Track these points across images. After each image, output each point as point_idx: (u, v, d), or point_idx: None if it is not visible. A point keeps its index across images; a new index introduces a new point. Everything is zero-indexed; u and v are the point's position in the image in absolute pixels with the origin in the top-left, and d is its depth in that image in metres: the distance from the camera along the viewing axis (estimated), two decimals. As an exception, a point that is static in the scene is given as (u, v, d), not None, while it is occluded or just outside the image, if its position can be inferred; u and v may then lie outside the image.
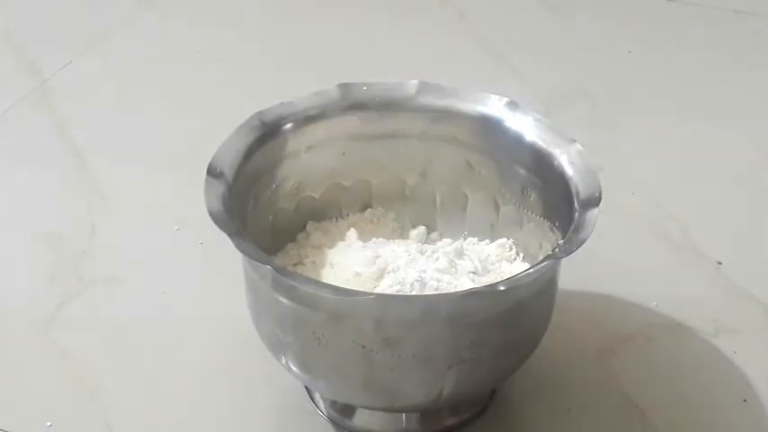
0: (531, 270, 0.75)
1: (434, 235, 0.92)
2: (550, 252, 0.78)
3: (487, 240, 0.90)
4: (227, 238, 0.75)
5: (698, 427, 0.86)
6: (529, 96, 1.15)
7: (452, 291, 0.80)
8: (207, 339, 0.93)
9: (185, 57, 1.31)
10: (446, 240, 0.90)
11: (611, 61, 1.31)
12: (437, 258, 0.83)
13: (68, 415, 0.87)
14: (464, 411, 0.86)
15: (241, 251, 0.75)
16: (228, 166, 0.81)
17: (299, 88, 0.89)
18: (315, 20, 1.39)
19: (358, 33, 1.36)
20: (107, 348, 0.92)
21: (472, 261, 0.84)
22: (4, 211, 1.07)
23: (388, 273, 0.82)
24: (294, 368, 0.80)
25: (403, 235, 0.92)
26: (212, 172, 0.80)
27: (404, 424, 0.84)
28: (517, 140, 0.86)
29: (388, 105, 0.89)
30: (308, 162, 0.88)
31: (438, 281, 0.81)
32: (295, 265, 0.87)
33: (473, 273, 0.83)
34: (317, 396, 0.87)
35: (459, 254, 0.85)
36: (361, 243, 0.87)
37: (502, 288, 0.73)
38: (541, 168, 0.84)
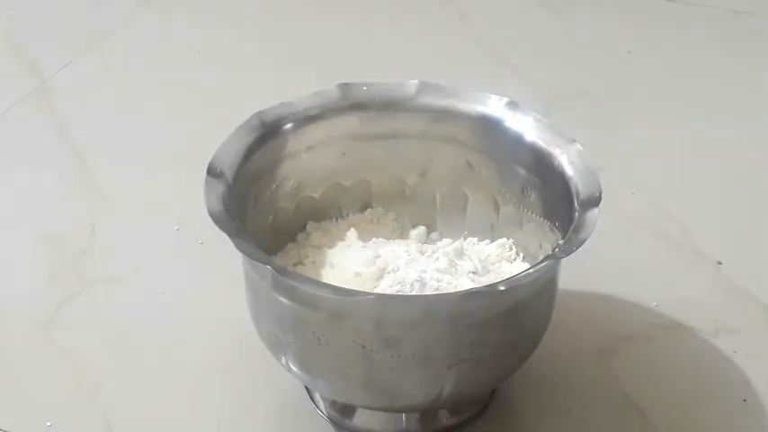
0: (531, 270, 0.75)
1: (434, 235, 0.92)
2: (550, 252, 0.78)
3: (487, 240, 0.90)
4: (227, 238, 0.75)
5: (698, 427, 0.86)
6: (529, 96, 1.15)
7: (452, 291, 0.80)
8: (207, 339, 0.93)
9: (185, 57, 1.31)
10: (446, 240, 0.90)
11: (611, 61, 1.31)
12: (437, 258, 0.83)
13: (68, 415, 0.87)
14: (464, 411, 0.86)
15: (241, 251, 0.75)
16: (228, 166, 0.81)
17: (299, 88, 0.89)
18: (315, 20, 1.39)
19: (358, 33, 1.36)
20: (107, 348, 0.92)
21: (472, 261, 0.84)
22: (4, 211, 1.07)
23: (388, 273, 0.82)
24: (294, 368, 0.80)
25: (403, 235, 0.92)
26: (212, 172, 0.80)
27: (404, 424, 0.84)
28: (517, 140, 0.86)
29: (388, 105, 0.89)
30: (308, 162, 0.88)
31: (438, 281, 0.81)
32: (295, 265, 0.87)
33: (473, 273, 0.83)
34: (317, 396, 0.87)
35: (459, 254, 0.85)
36: (361, 243, 0.87)
37: (502, 288, 0.73)
38: (541, 168, 0.84)
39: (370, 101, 0.89)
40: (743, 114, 1.21)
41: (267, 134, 0.85)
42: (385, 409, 0.83)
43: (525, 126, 0.86)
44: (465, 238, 0.91)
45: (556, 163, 0.83)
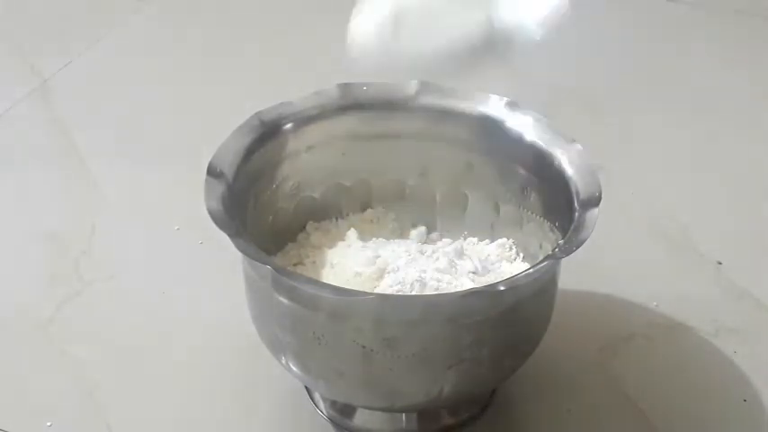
0: (531, 270, 0.75)
1: (434, 235, 0.92)
2: (550, 252, 0.78)
3: (487, 240, 0.90)
4: (227, 238, 0.75)
5: (698, 427, 0.86)
6: (529, 96, 1.14)
7: (452, 291, 0.80)
8: (207, 339, 0.93)
9: (185, 57, 1.31)
10: (446, 240, 0.90)
11: (612, 61, 1.31)
12: (437, 258, 0.83)
13: (68, 415, 0.87)
14: (464, 411, 0.86)
15: (241, 251, 0.75)
16: (228, 166, 0.81)
17: (299, 88, 0.89)
18: (315, 20, 1.39)
19: (358, 33, 1.36)
20: (107, 348, 0.92)
21: (472, 261, 0.84)
22: (4, 211, 1.07)
23: (388, 273, 0.82)
24: (294, 368, 0.80)
25: (403, 235, 0.92)
26: (212, 172, 0.80)
27: (404, 424, 0.84)
28: (517, 140, 0.86)
29: (388, 105, 0.89)
30: (308, 162, 0.88)
31: (438, 281, 0.81)
32: (295, 265, 0.87)
33: (473, 273, 0.83)
34: (317, 396, 0.87)
35: (459, 254, 0.85)
36: (361, 243, 0.87)
37: (502, 288, 0.73)
38: (541, 168, 0.84)
39: (370, 101, 0.89)
40: (743, 114, 1.21)
41: (267, 134, 0.85)
42: (385, 409, 0.83)
43: (525, 126, 0.86)
44: (465, 238, 0.91)
45: (556, 163, 0.83)
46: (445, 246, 0.87)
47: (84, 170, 1.12)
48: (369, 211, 0.92)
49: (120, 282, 0.99)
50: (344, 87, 0.88)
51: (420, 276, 0.81)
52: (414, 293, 0.80)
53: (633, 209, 1.07)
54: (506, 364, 0.80)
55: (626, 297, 0.96)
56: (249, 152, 0.83)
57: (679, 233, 1.04)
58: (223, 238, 0.75)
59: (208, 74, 1.28)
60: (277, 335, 0.79)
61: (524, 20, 0.78)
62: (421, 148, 0.90)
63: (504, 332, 0.77)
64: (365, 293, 0.77)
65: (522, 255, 0.88)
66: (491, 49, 0.78)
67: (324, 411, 0.86)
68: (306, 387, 0.87)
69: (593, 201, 0.78)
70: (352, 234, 0.89)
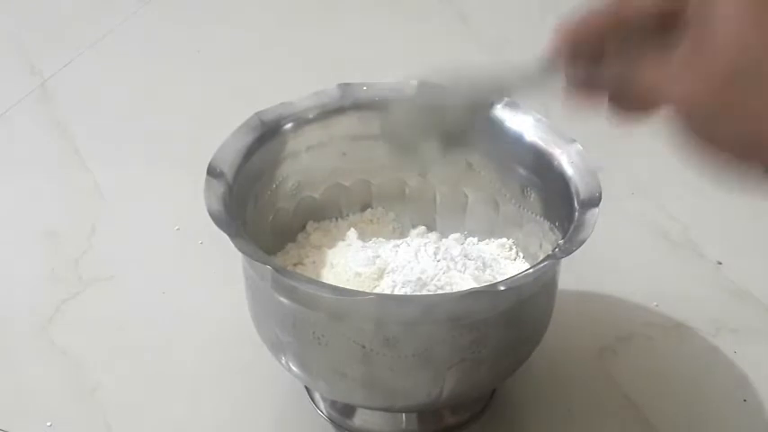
0: (531, 270, 0.75)
1: (434, 235, 0.92)
2: (550, 252, 0.78)
3: (487, 240, 0.90)
4: (227, 238, 0.75)
5: (698, 427, 0.86)
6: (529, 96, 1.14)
7: (452, 291, 0.80)
8: (207, 339, 0.93)
9: (185, 57, 1.31)
10: (446, 240, 0.90)
11: (611, 61, 1.31)
12: (437, 258, 0.83)
13: (68, 415, 0.87)
14: (464, 411, 0.86)
15: (241, 251, 0.75)
16: (228, 166, 0.81)
17: (299, 88, 0.88)
18: (315, 20, 1.39)
19: (358, 33, 1.36)
20: (107, 348, 0.92)
21: (472, 261, 0.84)
22: (4, 211, 1.07)
23: (388, 273, 0.82)
24: (294, 368, 0.80)
25: (403, 235, 0.92)
26: (212, 172, 0.80)
27: (404, 424, 0.84)
28: (517, 140, 0.86)
29: (388, 105, 0.89)
30: (308, 162, 0.88)
31: (438, 281, 0.81)
32: (295, 265, 0.87)
33: (473, 273, 0.83)
34: (317, 396, 0.87)
35: (460, 254, 0.85)
36: (361, 243, 0.87)
37: (502, 288, 0.73)
38: (541, 168, 0.84)
39: (370, 101, 0.89)
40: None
41: (267, 134, 0.85)
42: (385, 409, 0.83)
43: (525, 126, 0.86)
44: (465, 238, 0.91)
45: (556, 163, 0.83)
46: (445, 246, 0.87)
47: (84, 170, 1.12)
48: (369, 211, 0.92)
49: (120, 282, 0.99)
50: (344, 87, 0.88)
51: (420, 276, 0.81)
52: (414, 293, 0.80)
53: (633, 209, 1.07)
54: (506, 364, 0.80)
55: (626, 297, 0.96)
56: (249, 152, 0.83)
57: (679, 233, 1.04)
58: (223, 238, 0.75)
59: (208, 74, 1.28)
60: (277, 335, 0.79)
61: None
62: (421, 148, 0.90)
63: (504, 332, 0.77)
64: (365, 293, 0.77)
65: (522, 255, 0.88)
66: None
67: (324, 411, 0.86)
68: (306, 387, 0.87)
69: (593, 201, 0.78)
70: (352, 234, 0.89)
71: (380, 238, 0.89)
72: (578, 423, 0.86)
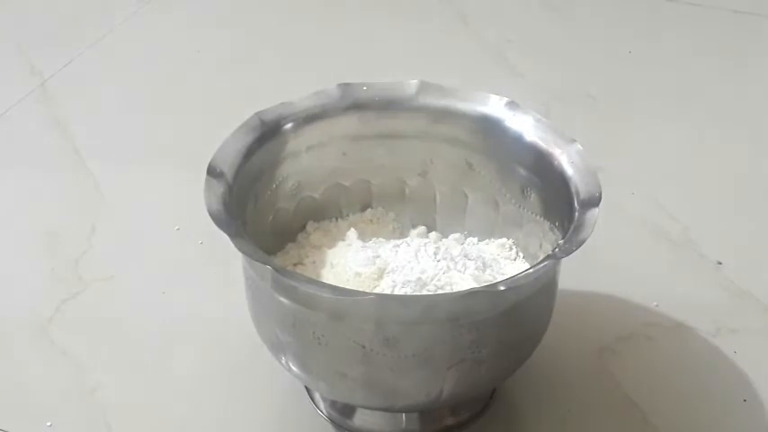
0: (531, 270, 0.75)
1: (434, 235, 0.92)
2: (550, 252, 0.78)
3: (487, 240, 0.90)
4: (227, 238, 0.75)
5: (698, 427, 0.86)
6: (529, 96, 1.15)
7: (452, 291, 0.80)
8: (207, 339, 0.93)
9: (185, 57, 1.31)
10: (446, 241, 0.90)
11: (611, 61, 1.31)
12: (437, 258, 0.83)
13: (68, 415, 0.87)
14: (464, 411, 0.86)
15: (241, 251, 0.75)
16: (228, 166, 0.81)
17: (299, 88, 0.89)
18: (315, 20, 1.39)
19: (358, 33, 1.36)
20: (107, 348, 0.92)
21: (472, 261, 0.84)
22: (4, 211, 1.07)
23: (388, 273, 0.82)
24: (294, 368, 0.80)
25: (403, 235, 0.92)
26: (212, 172, 0.80)
27: (404, 424, 0.84)
28: (517, 140, 0.86)
29: (388, 105, 0.89)
30: (308, 162, 0.88)
31: (438, 281, 0.81)
32: (295, 265, 0.87)
33: (473, 273, 0.83)
34: (317, 396, 0.87)
35: (460, 254, 0.85)
36: (361, 243, 0.87)
37: (502, 288, 0.73)
38: (541, 168, 0.84)
39: (370, 101, 0.89)
40: (743, 114, 1.21)
41: (267, 134, 0.85)
42: (385, 410, 0.83)
43: (525, 126, 0.86)
44: (465, 238, 0.91)
45: (556, 163, 0.83)
46: (445, 246, 0.87)
47: (84, 170, 1.12)
48: (369, 211, 0.93)
49: (120, 282, 0.99)
50: (344, 87, 0.88)
51: (420, 276, 0.81)
52: (414, 293, 0.80)
53: (633, 209, 1.07)
54: (506, 364, 0.80)
55: (626, 297, 0.96)
56: (249, 152, 0.83)
57: (679, 233, 1.04)
58: (223, 238, 0.75)
59: (208, 74, 1.28)
60: (277, 335, 0.79)
61: None
62: (421, 148, 0.90)
63: (504, 332, 0.77)
64: (365, 293, 0.77)
65: (522, 255, 0.88)
66: None
67: (324, 411, 0.86)
68: (306, 387, 0.87)
69: (593, 201, 0.78)
70: (352, 234, 0.89)
71: (380, 238, 0.89)
72: (578, 423, 0.86)
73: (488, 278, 0.83)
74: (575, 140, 0.84)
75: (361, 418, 0.85)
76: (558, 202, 0.82)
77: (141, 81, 1.27)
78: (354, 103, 0.88)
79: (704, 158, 1.15)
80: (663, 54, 1.32)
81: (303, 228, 0.91)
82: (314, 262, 0.87)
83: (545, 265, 0.75)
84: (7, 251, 1.03)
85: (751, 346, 0.92)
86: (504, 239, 0.89)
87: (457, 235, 0.91)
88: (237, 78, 1.27)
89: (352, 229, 0.89)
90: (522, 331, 0.79)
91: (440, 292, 0.80)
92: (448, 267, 0.82)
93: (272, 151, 0.86)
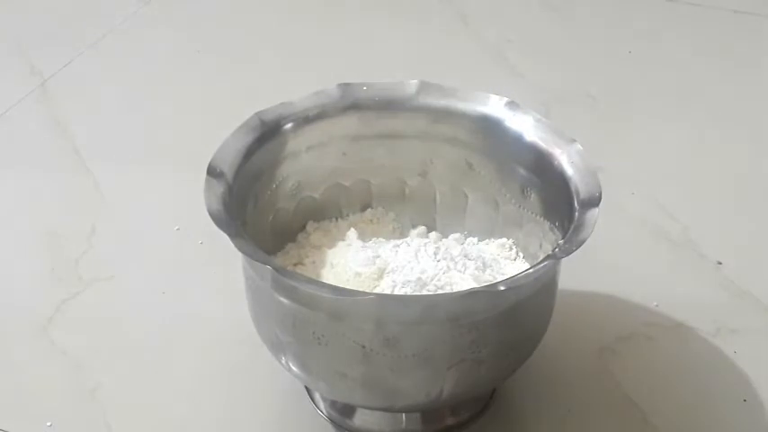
0: (531, 270, 0.75)
1: (434, 235, 0.92)
2: (550, 252, 0.78)
3: (487, 240, 0.90)
4: (227, 238, 0.75)
5: (698, 427, 0.86)
6: (529, 96, 1.15)
7: (452, 291, 0.80)
8: (207, 339, 0.93)
9: (185, 57, 1.31)
10: (446, 241, 0.90)
11: (611, 61, 1.31)
12: (437, 258, 0.83)
13: (68, 415, 0.87)
14: (464, 411, 0.86)
15: (241, 251, 0.75)
16: (228, 166, 0.81)
17: (299, 88, 0.89)
18: (315, 20, 1.39)
19: (358, 33, 1.36)
20: (107, 348, 0.92)
21: (473, 261, 0.84)
22: (5, 211, 1.07)
23: (388, 273, 0.82)
24: (294, 368, 0.80)
25: (403, 235, 0.92)
26: (212, 172, 0.80)
27: (404, 424, 0.84)
28: (517, 140, 0.86)
29: (388, 105, 0.89)
30: (308, 162, 0.88)
31: (438, 281, 0.81)
32: (295, 265, 0.87)
33: (473, 273, 0.83)
34: (317, 396, 0.87)
35: (460, 254, 0.85)
36: (361, 243, 0.87)
37: (502, 288, 0.73)
38: (541, 168, 0.84)
39: (370, 101, 0.89)
40: (743, 114, 1.21)
41: (267, 134, 0.85)
42: (385, 409, 0.83)
43: (525, 126, 0.86)
44: (465, 238, 0.91)
45: (556, 163, 0.83)
46: (445, 246, 0.87)
47: (84, 170, 1.12)
48: (369, 211, 0.93)
49: (120, 282, 0.99)
50: (344, 87, 0.88)
51: (420, 276, 0.81)
52: (414, 293, 0.80)
53: (633, 209, 1.07)
54: (506, 364, 0.80)
55: (626, 297, 0.96)
56: (249, 152, 0.83)
57: (679, 233, 1.04)
58: (223, 238, 0.75)
59: (208, 74, 1.28)
60: (277, 335, 0.79)
61: None
62: (421, 147, 0.90)
63: (504, 332, 0.77)
64: (365, 293, 0.77)
65: (522, 255, 0.88)
66: None
67: (324, 411, 0.86)
68: (306, 387, 0.87)
69: (593, 201, 0.78)
70: (352, 234, 0.89)
71: (380, 238, 0.89)
72: (578, 423, 0.86)
73: (488, 278, 0.83)
74: (575, 140, 0.84)
75: (361, 418, 0.85)
76: (558, 202, 0.82)
77: (141, 81, 1.27)
78: (354, 103, 0.88)
79: (704, 158, 1.15)
80: (663, 54, 1.32)
81: (303, 228, 0.91)
82: (314, 262, 0.87)
83: (545, 265, 0.75)
84: (7, 251, 1.03)
85: (751, 346, 0.92)
86: (504, 239, 0.89)
87: (457, 235, 0.91)
88: (237, 78, 1.27)
89: (352, 229, 0.89)
90: (522, 331, 0.79)
91: (440, 292, 0.80)
92: (448, 267, 0.82)
93: (272, 151, 0.86)
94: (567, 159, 0.83)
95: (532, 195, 0.86)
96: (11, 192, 1.10)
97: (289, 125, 0.86)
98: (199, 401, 0.88)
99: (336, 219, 0.92)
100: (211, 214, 0.76)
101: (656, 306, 0.96)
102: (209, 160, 0.80)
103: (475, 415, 0.86)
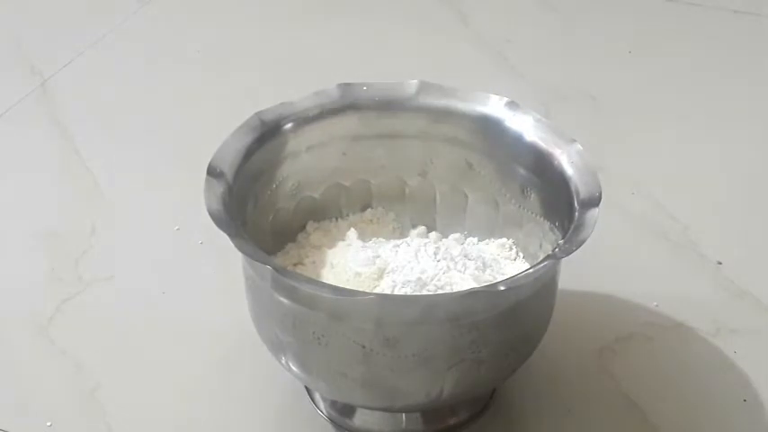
0: (531, 270, 0.75)
1: (434, 235, 0.92)
2: (550, 252, 0.78)
3: (487, 240, 0.90)
4: (227, 238, 0.75)
5: (698, 427, 0.86)
6: (529, 96, 1.15)
7: (452, 291, 0.80)
8: (207, 339, 0.93)
9: (185, 57, 1.31)
10: (446, 241, 0.90)
11: (611, 61, 1.31)
12: (437, 258, 0.83)
13: (68, 415, 0.87)
14: (464, 411, 0.86)
15: (241, 251, 0.75)
16: (228, 166, 0.81)
17: (299, 88, 0.89)
18: (315, 20, 1.39)
19: (358, 33, 1.36)
20: (107, 348, 0.92)
21: (473, 261, 0.84)
22: (5, 211, 1.07)
23: (388, 273, 0.82)
24: (294, 368, 0.80)
25: (403, 235, 0.92)
26: (212, 172, 0.80)
27: (404, 424, 0.84)
28: (517, 140, 0.86)
29: (388, 105, 0.89)
30: (308, 162, 0.88)
31: (438, 281, 0.81)
32: (295, 265, 0.87)
33: (473, 273, 0.83)
34: (317, 396, 0.87)
35: (460, 254, 0.85)
36: (361, 243, 0.87)
37: (502, 288, 0.73)
38: (541, 168, 0.84)
39: (369, 101, 0.89)
40: (743, 114, 1.21)
41: (267, 134, 0.85)
42: (385, 409, 0.83)
43: (525, 126, 0.86)
44: (465, 238, 0.91)
45: (556, 163, 0.83)
46: (445, 246, 0.87)
47: (84, 170, 1.12)
48: (369, 211, 0.93)
49: (120, 282, 0.99)
50: (344, 87, 0.88)
51: (420, 276, 0.81)
52: (414, 293, 0.80)
53: (633, 209, 1.07)
54: (506, 364, 0.80)
55: (626, 297, 0.96)
56: (249, 152, 0.83)
57: (679, 233, 1.04)
58: (223, 238, 0.75)
59: (208, 74, 1.28)
60: (277, 335, 0.79)
61: None
62: (421, 147, 0.90)
63: (504, 332, 0.77)
64: (365, 293, 0.77)
65: (522, 255, 0.88)
66: None
67: (324, 411, 0.86)
68: (306, 387, 0.87)
69: (593, 201, 0.78)
70: (352, 234, 0.89)
71: (380, 238, 0.89)
72: (578, 423, 0.86)
73: (488, 278, 0.83)
74: (575, 140, 0.84)
75: (361, 418, 0.85)
76: (558, 202, 0.82)
77: (141, 81, 1.27)
78: (354, 103, 0.88)
79: (704, 158, 1.15)
80: (663, 54, 1.32)
81: (303, 228, 0.91)
82: (314, 262, 0.87)
83: (545, 265, 0.75)
84: (7, 251, 1.03)
85: (751, 346, 0.92)
86: (504, 239, 0.89)
87: (457, 235, 0.91)
88: (237, 78, 1.27)
89: (352, 229, 0.89)
90: (522, 331, 0.79)
91: (440, 292, 0.80)
92: (448, 267, 0.82)
93: (272, 151, 0.86)
94: (567, 159, 0.83)
95: (532, 195, 0.86)
96: (11, 192, 1.10)
97: (289, 125, 0.86)
98: (199, 401, 0.88)
99: (336, 219, 0.92)
100: (211, 214, 0.76)
101: (656, 306, 0.96)
102: (209, 160, 0.81)
103: (475, 415, 0.86)
